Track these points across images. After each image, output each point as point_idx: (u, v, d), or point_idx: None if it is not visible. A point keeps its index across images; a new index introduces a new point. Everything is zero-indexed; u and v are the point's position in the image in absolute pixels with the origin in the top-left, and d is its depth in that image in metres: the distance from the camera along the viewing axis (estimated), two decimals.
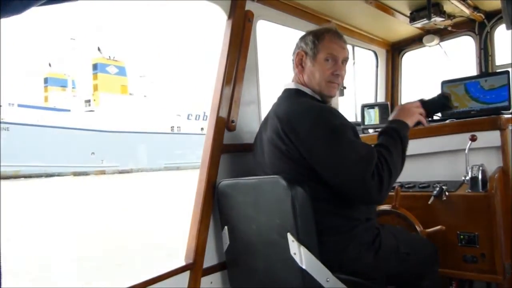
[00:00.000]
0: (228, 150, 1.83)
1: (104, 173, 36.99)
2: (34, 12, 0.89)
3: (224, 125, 1.82)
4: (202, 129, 46.76)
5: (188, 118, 46.95)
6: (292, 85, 1.56)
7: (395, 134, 1.43)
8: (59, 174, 33.86)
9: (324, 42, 1.52)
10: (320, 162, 1.36)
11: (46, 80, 45.33)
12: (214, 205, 1.73)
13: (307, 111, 1.42)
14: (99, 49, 43.11)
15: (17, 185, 26.13)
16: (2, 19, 0.80)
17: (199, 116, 48.14)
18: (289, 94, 1.55)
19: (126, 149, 38.92)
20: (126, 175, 35.59)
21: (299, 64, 1.56)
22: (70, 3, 0.88)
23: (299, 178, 1.36)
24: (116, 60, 43.83)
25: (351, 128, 1.40)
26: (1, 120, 32.58)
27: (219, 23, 1.91)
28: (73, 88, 44.23)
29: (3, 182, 25.77)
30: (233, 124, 1.85)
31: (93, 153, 37.34)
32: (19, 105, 36.37)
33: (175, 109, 45.48)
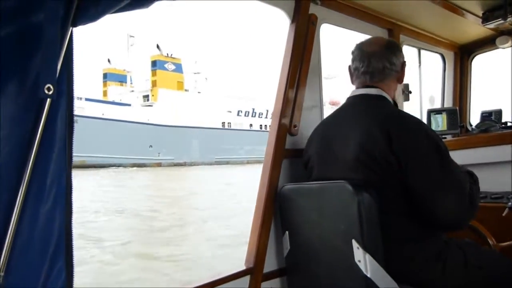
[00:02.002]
0: (290, 155, 1.81)
1: (160, 166, 38.33)
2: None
3: (286, 129, 1.80)
4: (251, 125, 47.93)
5: (238, 115, 47.63)
6: (374, 91, 1.51)
7: None
8: (120, 165, 35.52)
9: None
10: (417, 179, 1.31)
11: (105, 76, 47.93)
12: (276, 209, 1.72)
13: (412, 121, 1.40)
14: (158, 46, 44.40)
15: (99, 173, 28.45)
16: (79, 27, 0.92)
17: (248, 112, 48.79)
18: (372, 98, 1.51)
19: (180, 143, 40.16)
20: (180, 167, 36.90)
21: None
22: (141, 10, 1.00)
23: (378, 184, 1.32)
24: (173, 57, 45.18)
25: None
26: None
27: (281, 27, 1.88)
28: (130, 83, 46.40)
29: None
30: (296, 128, 1.83)
31: (151, 146, 38.75)
32: (86, 99, 38.70)
33: (226, 105, 46.40)
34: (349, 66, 1.58)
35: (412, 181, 1.31)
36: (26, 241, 0.88)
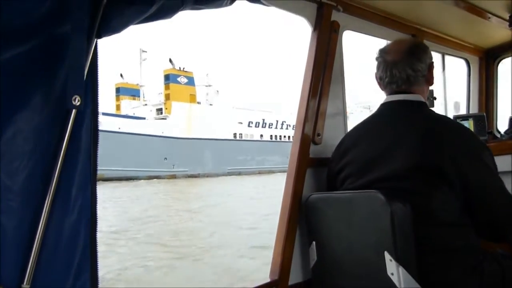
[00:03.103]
0: (314, 164, 1.78)
1: (175, 177, 38.67)
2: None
3: (310, 138, 1.78)
4: (261, 136, 48.08)
5: (248, 125, 48.00)
6: (411, 97, 1.46)
7: None
8: (136, 178, 35.90)
9: None
10: (475, 182, 1.28)
11: (118, 90, 48.43)
12: (301, 219, 1.67)
13: (460, 126, 1.41)
14: (171, 60, 44.92)
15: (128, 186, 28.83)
16: (103, 38, 0.95)
17: (258, 123, 49.01)
18: (411, 104, 1.46)
19: (194, 154, 40.43)
20: (194, 179, 37.12)
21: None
22: (163, 20, 1.03)
23: (426, 192, 1.28)
24: (185, 71, 45.61)
25: None
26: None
27: (304, 35, 1.87)
28: (143, 97, 46.78)
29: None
30: (319, 137, 1.81)
31: (165, 158, 39.14)
32: (103, 114, 38.52)
33: (237, 117, 46.81)
34: (375, 74, 1.53)
35: (470, 185, 1.27)
36: (51, 254, 0.86)
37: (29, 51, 0.82)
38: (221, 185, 26.62)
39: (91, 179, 0.94)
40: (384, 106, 1.51)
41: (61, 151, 0.87)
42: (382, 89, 1.53)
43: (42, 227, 0.84)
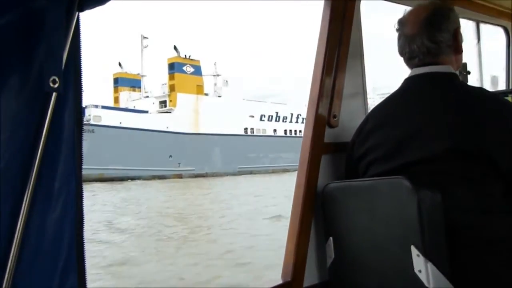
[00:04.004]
0: (330, 150, 1.67)
1: (181, 177, 37.49)
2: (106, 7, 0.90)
3: (324, 121, 1.66)
4: (275, 131, 46.49)
5: (261, 119, 46.24)
6: (443, 68, 1.37)
7: None
8: (139, 178, 34.62)
9: None
10: None
11: (116, 81, 46.38)
12: (316, 212, 1.57)
13: (502, 100, 1.35)
14: (175, 48, 42.97)
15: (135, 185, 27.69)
16: (86, 11, 0.84)
17: (271, 117, 47.27)
18: (441, 78, 1.37)
19: (201, 152, 39.21)
20: (202, 179, 35.83)
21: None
22: None
23: (470, 177, 1.20)
24: (192, 59, 43.66)
25: None
26: (89, 122, 33.93)
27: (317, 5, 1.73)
28: (144, 89, 45.34)
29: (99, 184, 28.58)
30: (335, 119, 1.68)
31: (170, 156, 37.79)
32: (103, 107, 37.79)
33: (248, 110, 45.17)
34: (398, 45, 1.47)
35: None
36: (33, 255, 0.81)
37: (1, 28, 0.77)
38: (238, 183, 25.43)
39: (75, 171, 0.87)
40: (409, 81, 1.43)
41: (40, 140, 0.81)
42: (406, 64, 1.47)
43: (22, 225, 0.79)
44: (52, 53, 0.80)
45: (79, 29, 0.86)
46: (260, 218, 12.49)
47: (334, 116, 1.67)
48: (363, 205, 1.34)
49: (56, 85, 0.79)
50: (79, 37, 0.86)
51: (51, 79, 0.79)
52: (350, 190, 1.41)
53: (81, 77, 0.87)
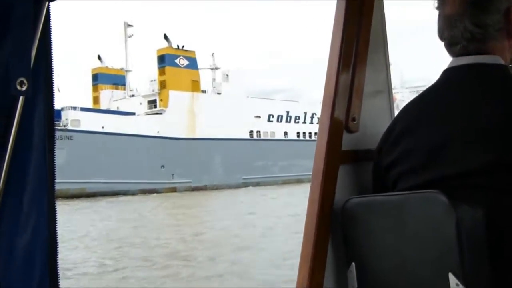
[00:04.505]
0: (349, 159, 1.61)
1: (175, 191, 35.42)
2: None
3: (342, 125, 1.60)
4: (285, 133, 45.85)
5: (269, 120, 44.22)
6: (490, 59, 1.28)
7: None
8: (125, 193, 32.34)
9: None
10: None
11: (95, 77, 44.30)
12: (334, 233, 1.50)
13: None
14: (166, 36, 39.98)
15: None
16: (56, 1, 0.79)
17: (281, 117, 45.51)
18: (489, 70, 1.29)
19: (199, 160, 37.48)
20: (200, 192, 33.98)
21: None
22: None
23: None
24: (185, 50, 41.19)
25: None
26: (66, 127, 32.11)
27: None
28: (129, 86, 43.41)
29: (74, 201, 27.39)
30: (355, 123, 1.61)
31: (162, 166, 35.84)
32: (82, 109, 35.68)
33: (253, 109, 42.86)
34: (437, 27, 1.40)
35: None
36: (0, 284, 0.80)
37: None
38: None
39: (47, 186, 0.82)
40: (448, 73, 1.34)
41: (7, 150, 0.77)
42: (447, 51, 1.39)
43: None
44: (19, 51, 0.75)
45: (50, 21, 0.81)
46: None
47: (353, 119, 1.60)
48: (391, 224, 1.30)
49: (24, 88, 0.75)
50: (50, 31, 0.81)
51: (18, 81, 0.75)
52: (376, 206, 1.36)
53: (52, 77, 0.82)
